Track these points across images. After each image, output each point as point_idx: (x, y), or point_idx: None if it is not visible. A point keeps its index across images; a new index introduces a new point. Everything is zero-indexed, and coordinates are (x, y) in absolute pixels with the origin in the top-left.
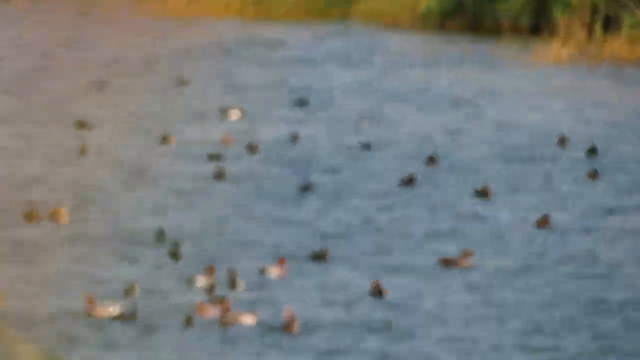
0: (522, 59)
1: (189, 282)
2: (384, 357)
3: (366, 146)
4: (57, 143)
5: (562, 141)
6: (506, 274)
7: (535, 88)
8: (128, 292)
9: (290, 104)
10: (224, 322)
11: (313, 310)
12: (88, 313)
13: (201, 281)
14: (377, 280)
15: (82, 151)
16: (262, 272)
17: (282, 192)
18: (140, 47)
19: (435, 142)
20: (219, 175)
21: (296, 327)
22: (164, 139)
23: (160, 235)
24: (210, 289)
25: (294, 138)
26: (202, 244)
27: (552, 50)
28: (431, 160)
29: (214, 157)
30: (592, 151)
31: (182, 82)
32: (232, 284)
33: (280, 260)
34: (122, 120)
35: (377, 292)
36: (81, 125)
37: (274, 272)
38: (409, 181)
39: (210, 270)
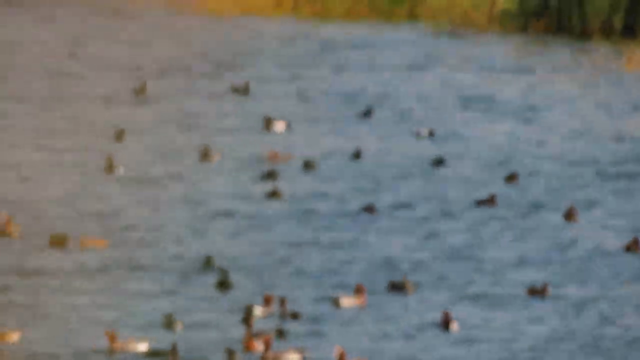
0: (612, 65)
1: (238, 313)
2: None
3: (438, 161)
4: (90, 158)
5: None
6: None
7: (623, 98)
8: (167, 325)
9: (354, 113)
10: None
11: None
12: (109, 351)
13: (257, 311)
14: (446, 312)
15: (110, 169)
16: (334, 302)
17: (343, 213)
18: (192, 47)
19: (514, 155)
20: (273, 195)
21: None
22: (205, 155)
23: (207, 264)
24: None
25: (357, 153)
26: (255, 272)
27: None
28: (511, 177)
29: (266, 175)
30: None
31: (239, 89)
32: (292, 315)
33: (359, 289)
34: (163, 130)
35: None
36: (118, 136)
37: (347, 302)
38: (487, 201)
39: (267, 301)
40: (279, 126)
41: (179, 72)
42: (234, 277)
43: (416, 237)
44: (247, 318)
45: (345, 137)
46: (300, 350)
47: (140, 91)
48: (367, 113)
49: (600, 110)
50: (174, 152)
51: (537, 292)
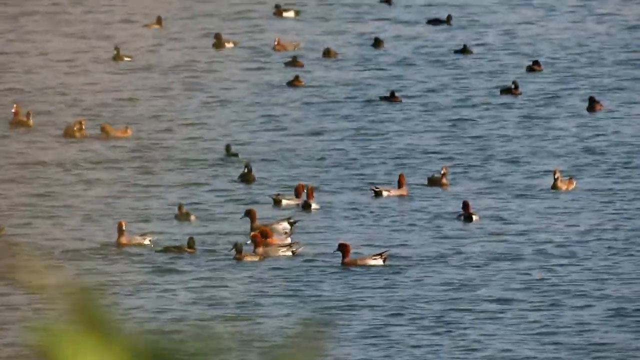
0: None
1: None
2: None
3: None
4: None
5: None
6: None
7: None
8: (182, 217)
9: None
10: None
11: None
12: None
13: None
14: None
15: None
16: (376, 194)
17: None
18: None
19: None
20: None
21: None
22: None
23: (228, 152)
24: None
25: (377, 41)
26: (277, 164)
27: None
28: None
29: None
30: None
31: None
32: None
33: (401, 181)
34: None
35: None
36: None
37: (390, 193)
38: (510, 90)
39: (298, 190)
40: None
41: None
42: (257, 169)
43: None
44: (248, 213)
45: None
46: (288, 218)
47: None
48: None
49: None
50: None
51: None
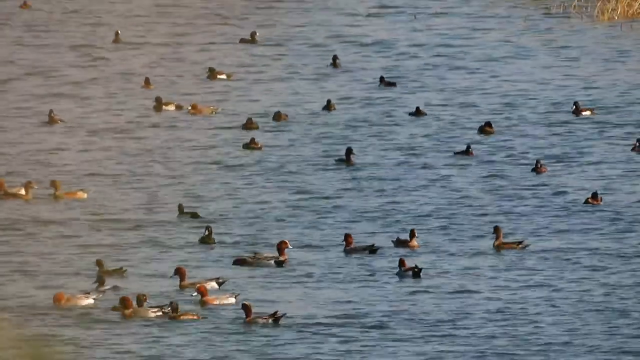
0: None
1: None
2: None
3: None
4: None
5: None
6: None
7: None
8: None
9: None
10: None
11: None
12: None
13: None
14: None
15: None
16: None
17: None
18: None
19: None
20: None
21: None
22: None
23: (193, 217)
24: None
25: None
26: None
27: None
28: None
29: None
30: None
31: None
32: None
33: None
34: None
35: None
36: None
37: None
38: None
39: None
40: None
41: None
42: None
43: None
44: (178, 271)
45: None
46: (217, 278)
47: None
48: None
49: None
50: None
51: None
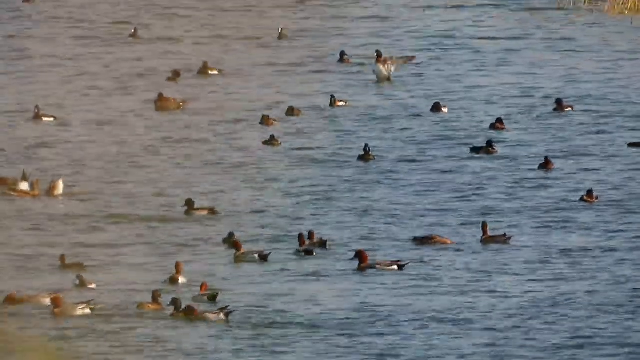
0: None
1: None
2: None
3: None
4: None
5: None
6: None
7: None
8: None
9: None
10: None
11: None
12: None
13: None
14: None
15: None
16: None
17: None
18: None
19: None
20: None
21: None
22: None
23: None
24: None
25: None
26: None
27: None
28: None
29: None
30: None
31: None
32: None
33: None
34: None
35: None
36: None
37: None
38: None
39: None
40: None
41: None
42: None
43: None
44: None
45: None
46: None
47: None
48: None
49: None
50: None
51: None
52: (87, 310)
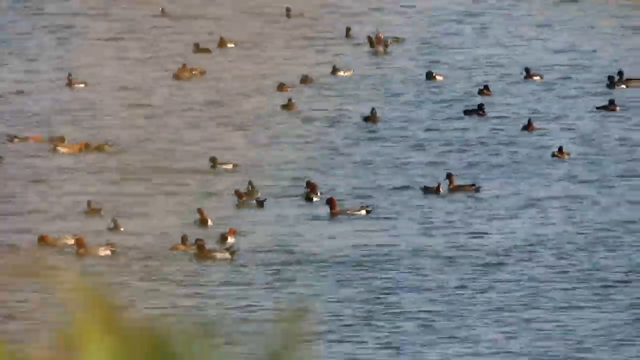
0: None
1: None
2: None
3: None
4: None
5: None
6: None
7: None
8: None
9: None
10: None
11: None
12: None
13: None
14: None
15: None
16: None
17: None
18: None
19: None
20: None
21: None
22: None
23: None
24: None
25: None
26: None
27: None
28: None
29: None
30: None
31: None
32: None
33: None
34: None
35: None
36: None
37: None
38: None
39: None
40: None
41: None
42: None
43: None
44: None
45: None
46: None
47: None
48: None
49: None
50: None
51: None
52: (108, 252)
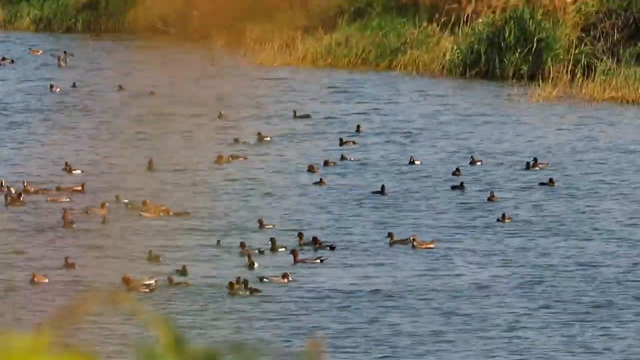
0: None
1: None
2: None
3: None
4: None
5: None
6: None
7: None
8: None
9: None
10: None
11: None
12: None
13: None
14: None
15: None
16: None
17: None
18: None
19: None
20: None
21: None
22: None
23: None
24: None
25: None
26: None
27: (543, 92)
28: None
29: None
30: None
31: None
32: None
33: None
34: None
35: None
36: None
37: None
38: None
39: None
40: None
41: None
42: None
43: None
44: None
45: None
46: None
47: None
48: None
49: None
50: None
51: None
52: (147, 290)
